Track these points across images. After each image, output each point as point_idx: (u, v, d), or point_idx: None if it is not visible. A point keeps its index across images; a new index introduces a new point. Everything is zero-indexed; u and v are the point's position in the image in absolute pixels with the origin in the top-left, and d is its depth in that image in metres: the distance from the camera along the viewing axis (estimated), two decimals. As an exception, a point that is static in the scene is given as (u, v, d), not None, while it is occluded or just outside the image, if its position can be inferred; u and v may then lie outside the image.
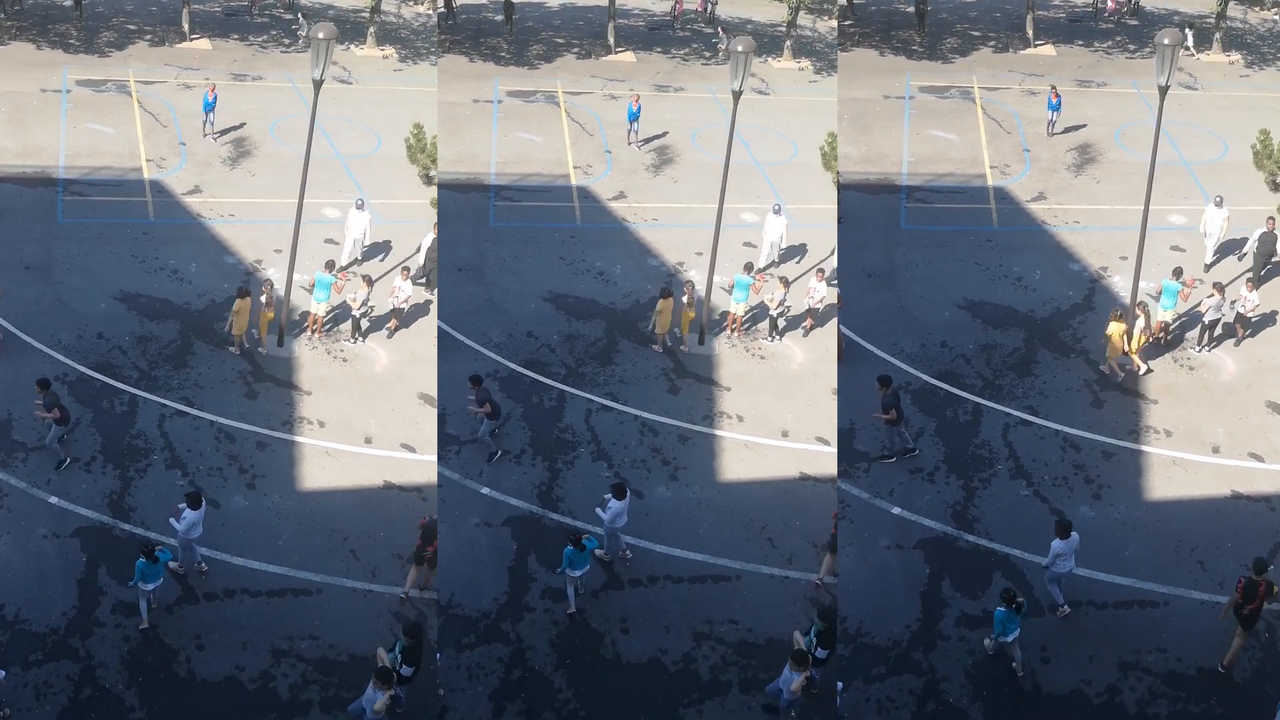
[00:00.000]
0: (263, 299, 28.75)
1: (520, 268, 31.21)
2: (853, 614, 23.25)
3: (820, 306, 29.79)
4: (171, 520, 23.46)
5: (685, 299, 29.62)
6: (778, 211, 31.17)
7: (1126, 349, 28.15)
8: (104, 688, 21.83)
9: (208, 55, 38.77)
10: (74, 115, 35.67)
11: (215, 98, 34.97)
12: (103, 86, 36.98)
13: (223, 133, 35.13)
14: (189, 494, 23.60)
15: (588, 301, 30.34)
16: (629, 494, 24.12)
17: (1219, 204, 31.33)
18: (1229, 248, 31.72)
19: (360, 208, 30.97)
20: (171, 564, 23.47)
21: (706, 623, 23.37)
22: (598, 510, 24.04)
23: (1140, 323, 28.26)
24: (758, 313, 30.06)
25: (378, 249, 31.82)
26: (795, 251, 32.00)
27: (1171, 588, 23.94)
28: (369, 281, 29.49)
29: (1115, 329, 28.02)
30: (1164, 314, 29.29)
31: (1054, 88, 36.42)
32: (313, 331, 29.24)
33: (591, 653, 22.79)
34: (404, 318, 29.61)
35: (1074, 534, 23.05)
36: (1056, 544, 22.94)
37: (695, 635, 23.11)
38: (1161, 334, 29.25)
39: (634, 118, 35.65)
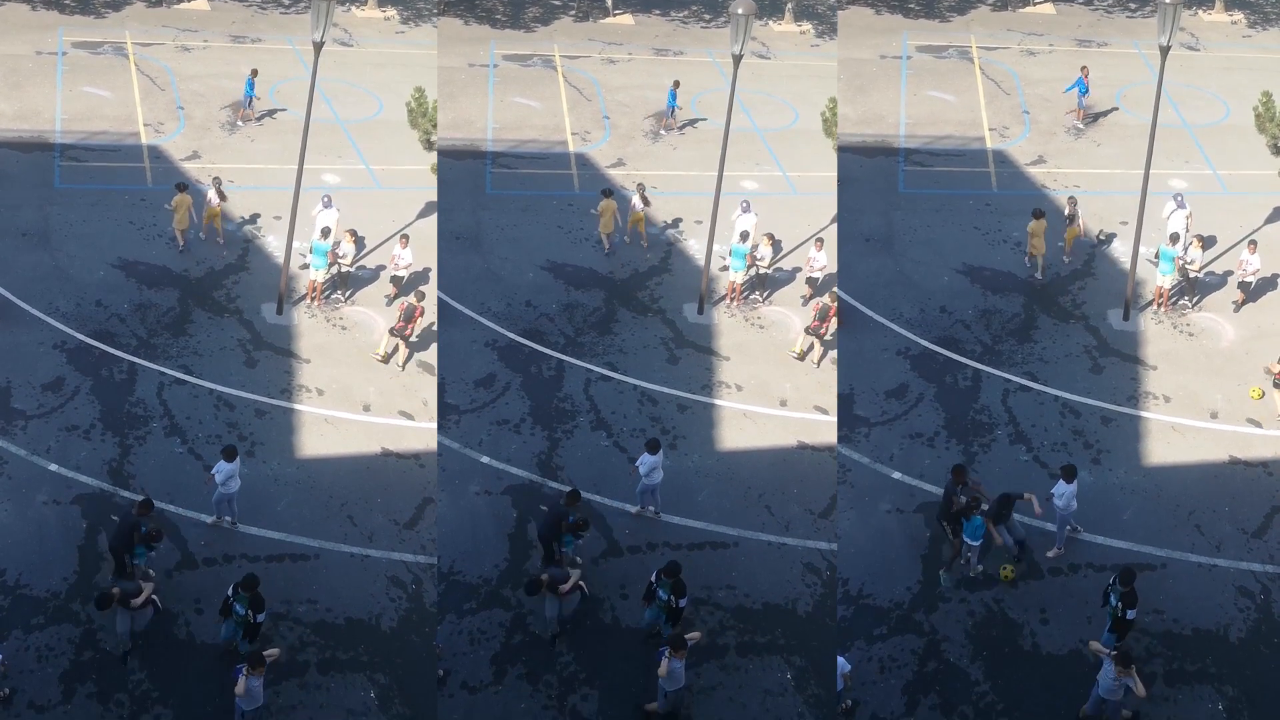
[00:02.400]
0: (210, 195, 29.82)
1: (518, 236, 31.14)
2: (854, 576, 23.36)
3: (820, 276, 29.72)
4: (212, 475, 23.77)
5: (637, 202, 30.59)
6: (746, 209, 30.39)
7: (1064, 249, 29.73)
8: (104, 651, 21.97)
9: (206, 16, 38.53)
10: (70, 78, 35.52)
11: (256, 80, 34.42)
12: (99, 49, 36.79)
13: (261, 117, 34.79)
14: (224, 448, 23.98)
15: (586, 270, 30.30)
16: (661, 449, 24.38)
17: (1181, 203, 30.22)
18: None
19: (328, 205, 29.97)
20: (209, 520, 24.01)
21: (705, 588, 23.48)
22: (637, 465, 24.30)
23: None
24: (755, 281, 30.02)
25: (379, 215, 31.64)
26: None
27: (1169, 551, 24.05)
28: (354, 235, 29.46)
29: (1036, 226, 29.40)
30: (1162, 279, 29.25)
31: (1084, 69, 34.78)
32: (311, 299, 29.22)
33: (592, 618, 22.91)
34: (402, 285, 29.57)
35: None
36: (1069, 487, 23.43)
37: (693, 600, 23.19)
38: (1160, 300, 29.24)
39: (673, 103, 34.77)
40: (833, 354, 27.91)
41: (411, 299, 28.03)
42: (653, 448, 24.37)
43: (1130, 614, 21.57)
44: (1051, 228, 30.19)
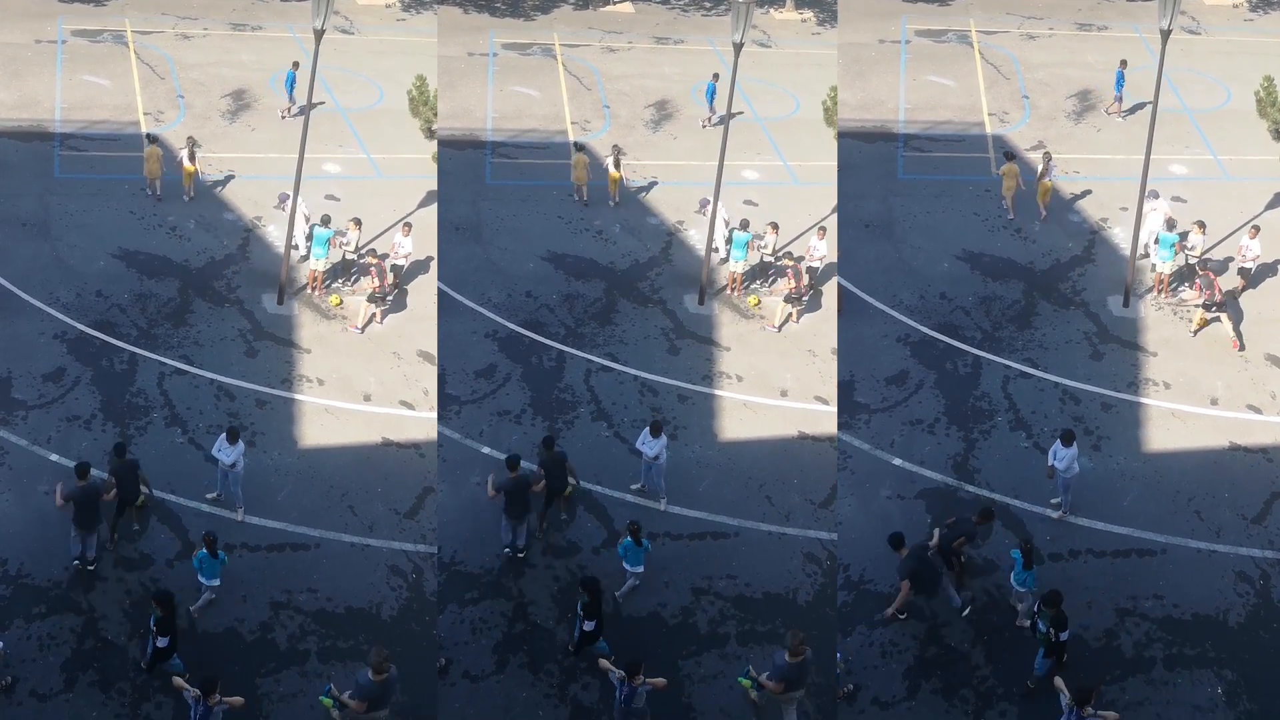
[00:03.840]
0: (182, 156, 30.91)
1: (518, 226, 31.14)
2: (855, 562, 23.40)
3: (820, 265, 29.71)
4: (217, 453, 23.84)
5: (611, 165, 31.52)
6: (704, 205, 30.46)
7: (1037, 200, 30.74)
8: (106, 639, 22.04)
9: (206, 4, 38.47)
10: (70, 67, 35.52)
11: (297, 74, 34.06)
12: (99, 37, 36.78)
13: (303, 110, 34.67)
14: (227, 429, 24.07)
15: (587, 261, 30.30)
16: (663, 433, 24.50)
17: (1157, 197, 29.88)
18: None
19: (283, 200, 30.06)
20: (210, 496, 24.11)
21: (705, 578, 23.53)
22: (641, 446, 24.40)
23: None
24: (757, 269, 30.02)
25: (380, 204, 31.65)
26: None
27: (1169, 537, 24.08)
28: (358, 223, 29.49)
29: (1008, 168, 30.76)
30: (1162, 266, 29.23)
31: (1124, 61, 34.39)
32: (312, 289, 29.24)
33: (592, 607, 22.96)
34: (402, 274, 29.58)
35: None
36: (1070, 450, 23.67)
37: (694, 590, 23.27)
38: (1160, 287, 29.23)
39: (713, 96, 34.57)
40: (833, 344, 27.92)
41: (369, 259, 29.00)
42: (655, 430, 24.41)
43: (1063, 636, 21.17)
44: (1022, 173, 30.99)
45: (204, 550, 22.30)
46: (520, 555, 23.57)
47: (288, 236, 28.60)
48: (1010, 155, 31.50)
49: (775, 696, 20.61)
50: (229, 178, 32.10)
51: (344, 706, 20.07)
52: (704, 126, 34.59)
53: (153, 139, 31.48)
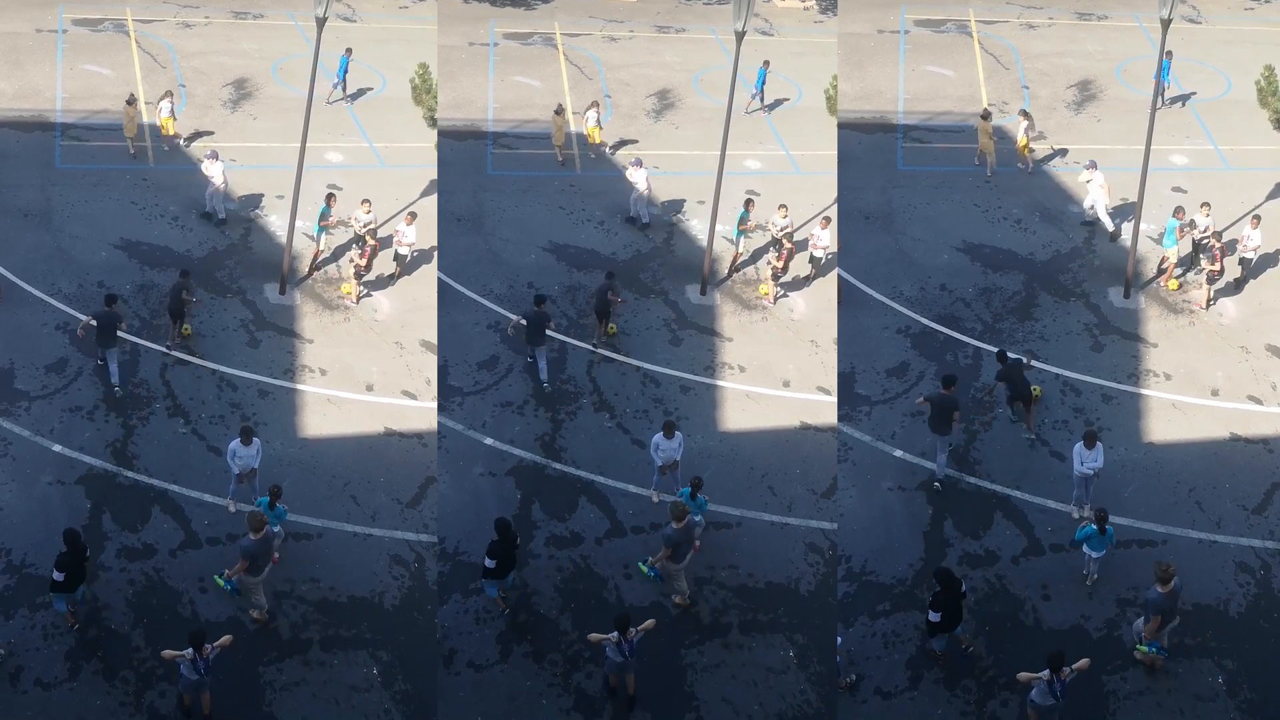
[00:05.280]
0: (161, 107, 32.30)
1: (520, 217, 31.14)
2: (857, 553, 23.46)
3: (824, 255, 29.73)
4: (233, 454, 23.76)
5: (591, 118, 32.71)
6: (638, 164, 30.89)
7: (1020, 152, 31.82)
8: (110, 628, 22.11)
9: (206, -8, 38.49)
10: (70, 56, 35.49)
11: (350, 60, 34.41)
12: (100, 26, 36.74)
13: (354, 97, 34.76)
14: (242, 429, 24.03)
15: (588, 252, 30.31)
16: (677, 433, 24.38)
17: (1094, 168, 30.32)
18: (1126, 213, 30.55)
19: (214, 158, 30.47)
20: (229, 503, 24.17)
21: (708, 568, 23.59)
22: (659, 443, 24.21)
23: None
24: (759, 251, 30.06)
25: (383, 193, 31.61)
26: (674, 205, 31.65)
27: (1169, 527, 24.14)
28: (368, 205, 29.54)
29: (983, 126, 31.79)
30: (1166, 253, 29.27)
31: (1169, 52, 33.15)
32: (311, 270, 29.26)
33: (596, 597, 23.03)
34: (405, 263, 29.60)
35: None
36: (1093, 452, 23.63)
37: (696, 579, 23.33)
38: (1166, 276, 29.25)
39: (762, 82, 34.70)
40: (835, 334, 27.96)
41: (368, 238, 29.32)
42: (668, 431, 24.24)
43: (934, 616, 21.35)
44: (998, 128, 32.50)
45: (266, 498, 22.87)
46: (545, 386, 26.34)
47: (290, 225, 28.58)
48: (986, 114, 32.19)
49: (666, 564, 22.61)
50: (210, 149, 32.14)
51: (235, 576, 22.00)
52: (748, 112, 34.64)
53: (132, 99, 32.11)
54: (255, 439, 23.93)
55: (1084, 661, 20.26)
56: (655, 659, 22.00)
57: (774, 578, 23.52)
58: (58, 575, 21.54)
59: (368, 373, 27.31)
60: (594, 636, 20.93)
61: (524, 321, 26.57)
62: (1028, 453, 25.44)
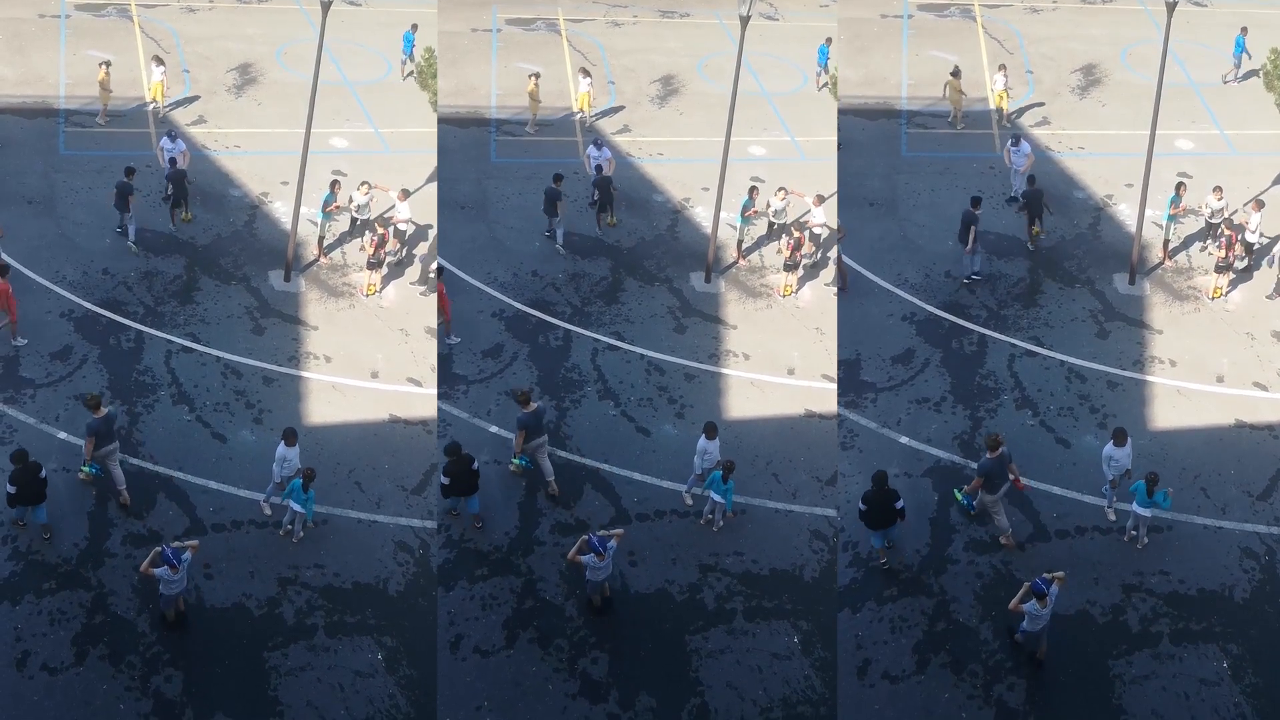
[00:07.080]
0: (155, 69, 32.86)
1: (524, 205, 31.09)
2: (864, 539, 23.46)
3: (822, 232, 29.67)
4: (282, 460, 23.55)
5: (582, 81, 32.92)
6: (599, 146, 30.99)
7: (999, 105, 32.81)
8: (115, 614, 22.15)
9: (210, -24, 38.37)
10: (74, 42, 35.41)
11: (415, 35, 34.57)
12: (103, 11, 36.63)
13: (414, 73, 34.75)
14: (285, 432, 23.73)
15: (593, 239, 30.29)
16: (716, 434, 24.06)
17: (1017, 143, 30.78)
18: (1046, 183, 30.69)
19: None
20: (264, 504, 24.02)
21: (712, 555, 23.61)
22: (705, 448, 23.92)
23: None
24: (762, 239, 30.01)
25: (388, 179, 31.55)
26: (645, 188, 31.62)
27: (1174, 513, 24.15)
28: (368, 186, 29.50)
29: (952, 82, 32.82)
30: (1171, 235, 29.21)
31: (1244, 29, 34.17)
32: (317, 258, 29.29)
33: (600, 584, 23.05)
34: (405, 239, 29.55)
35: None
36: (1125, 449, 23.58)
37: (701, 567, 23.36)
38: (1165, 257, 29.23)
39: (825, 60, 34.73)
40: (832, 327, 27.94)
41: (376, 226, 29.18)
42: (710, 432, 23.94)
43: (861, 506, 22.75)
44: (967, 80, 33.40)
45: (299, 480, 22.98)
46: (560, 251, 29.19)
47: (294, 212, 28.55)
48: (956, 72, 33.11)
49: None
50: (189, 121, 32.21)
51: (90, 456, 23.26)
52: (818, 89, 35.13)
53: (107, 64, 32.66)
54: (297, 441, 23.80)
55: (1060, 574, 21.56)
56: (661, 644, 22.03)
57: (778, 564, 23.54)
58: (10, 488, 22.60)
59: (373, 360, 27.31)
60: (572, 555, 21.70)
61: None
62: (1033, 440, 25.44)
